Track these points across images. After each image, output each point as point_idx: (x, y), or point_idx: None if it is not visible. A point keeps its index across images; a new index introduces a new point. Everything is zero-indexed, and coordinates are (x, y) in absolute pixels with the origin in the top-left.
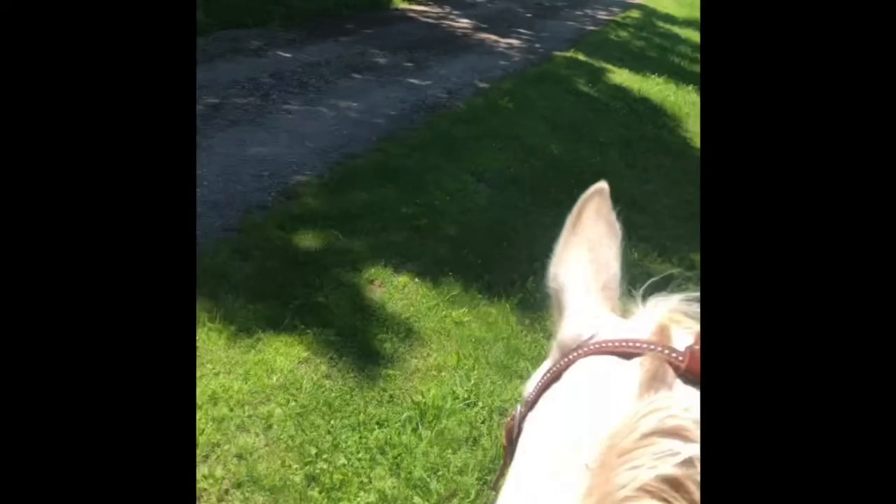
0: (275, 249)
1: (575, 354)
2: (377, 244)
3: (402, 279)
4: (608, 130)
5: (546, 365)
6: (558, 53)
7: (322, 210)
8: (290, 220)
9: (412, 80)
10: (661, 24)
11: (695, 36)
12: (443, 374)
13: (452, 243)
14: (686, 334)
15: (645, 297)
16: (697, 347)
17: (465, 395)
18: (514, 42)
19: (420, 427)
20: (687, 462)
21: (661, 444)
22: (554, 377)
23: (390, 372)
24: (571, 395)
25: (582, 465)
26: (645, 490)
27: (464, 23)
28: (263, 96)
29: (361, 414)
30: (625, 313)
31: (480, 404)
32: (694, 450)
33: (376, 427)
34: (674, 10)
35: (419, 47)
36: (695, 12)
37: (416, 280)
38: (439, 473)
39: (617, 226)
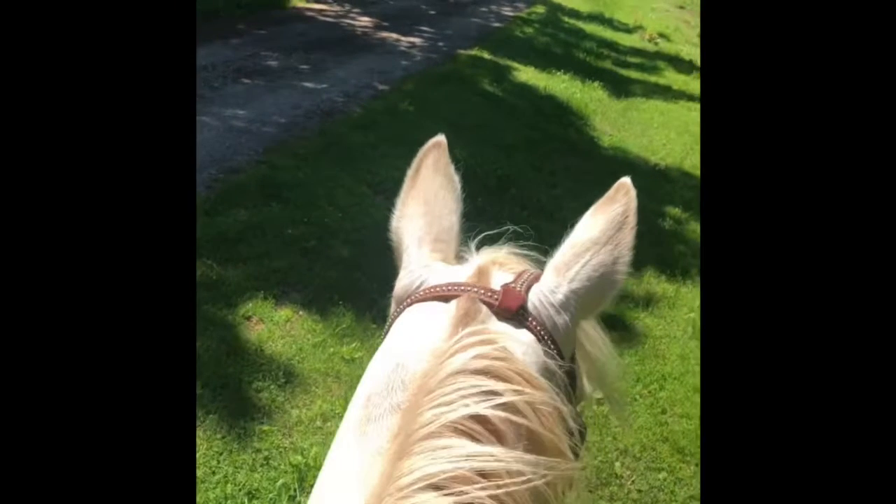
0: None
1: (404, 304)
2: (257, 273)
3: (284, 313)
4: (514, 132)
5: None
6: (462, 52)
7: None
8: None
9: (307, 84)
10: (566, 19)
11: (600, 31)
12: (328, 424)
13: (344, 266)
14: (507, 274)
15: (479, 248)
16: (513, 284)
17: None
18: (417, 41)
19: (299, 495)
20: (491, 399)
21: (466, 382)
22: (386, 331)
23: (266, 428)
24: (392, 342)
25: (394, 407)
26: (448, 427)
27: (364, 21)
28: None
29: (230, 484)
30: (459, 262)
31: None
32: (498, 385)
33: (247, 500)
34: (579, 5)
35: (316, 48)
36: (599, 7)
37: (301, 313)
38: None
39: (455, 178)
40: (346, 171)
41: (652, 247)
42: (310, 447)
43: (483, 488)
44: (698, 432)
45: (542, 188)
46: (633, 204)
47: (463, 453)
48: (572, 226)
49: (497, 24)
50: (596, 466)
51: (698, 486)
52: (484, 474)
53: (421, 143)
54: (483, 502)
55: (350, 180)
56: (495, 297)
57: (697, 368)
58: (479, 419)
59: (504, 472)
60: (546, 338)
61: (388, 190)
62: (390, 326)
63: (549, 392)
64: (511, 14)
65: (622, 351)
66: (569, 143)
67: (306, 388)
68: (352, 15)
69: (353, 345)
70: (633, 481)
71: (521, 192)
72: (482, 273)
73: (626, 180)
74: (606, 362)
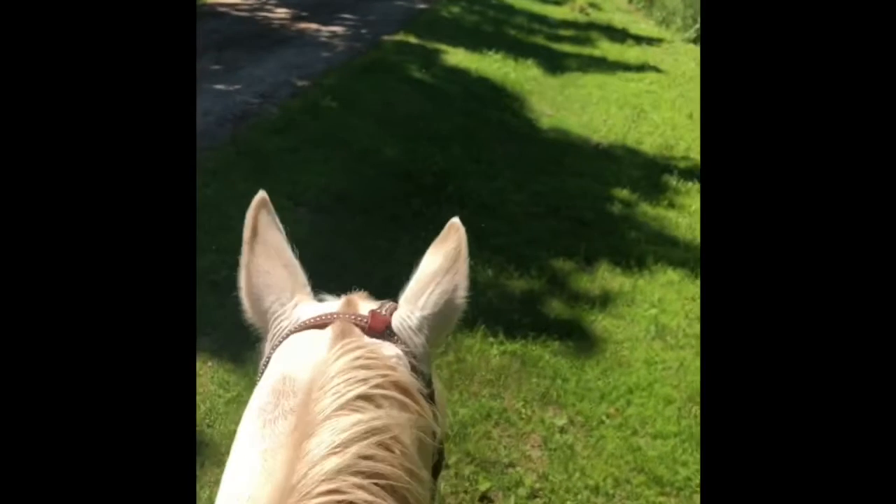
0: None
1: (280, 339)
2: None
3: None
4: (448, 121)
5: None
6: (387, 38)
7: None
8: None
9: (218, 86)
10: None
11: (529, 5)
12: None
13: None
14: (371, 304)
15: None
16: (379, 309)
17: None
18: (338, 30)
19: None
20: (373, 382)
21: (352, 374)
22: (262, 370)
23: None
24: (274, 366)
25: (288, 411)
26: (343, 408)
27: (281, 13)
28: None
29: None
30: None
31: None
32: (381, 374)
33: None
34: None
35: (229, 46)
36: None
37: (210, 363)
38: None
39: (281, 227)
40: (263, 182)
41: (603, 237)
42: None
43: (377, 441)
44: (675, 455)
45: (482, 182)
46: (464, 240)
47: (354, 420)
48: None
49: (422, 6)
50: None
51: None
52: (373, 431)
53: (347, 142)
54: (376, 452)
55: (267, 193)
56: (365, 320)
57: (665, 375)
58: (365, 397)
59: (388, 427)
60: (409, 354)
61: (312, 200)
62: (266, 362)
63: (415, 377)
64: None
65: (583, 364)
66: (507, 128)
67: (219, 459)
68: (268, 7)
69: None
70: None
71: (460, 189)
72: (350, 303)
73: (455, 221)
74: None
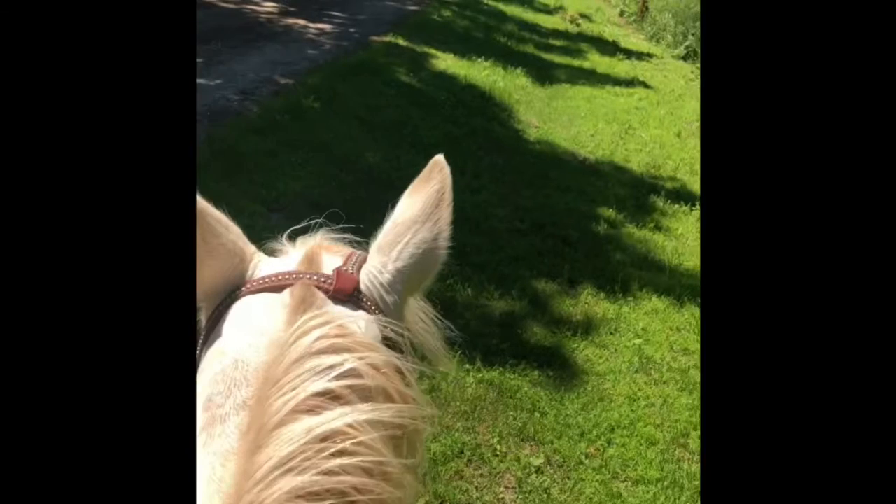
0: None
1: (224, 304)
2: None
3: None
4: (433, 128)
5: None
6: (376, 39)
7: None
8: None
9: (197, 81)
10: (486, 1)
11: (520, 12)
12: None
13: None
14: (336, 258)
15: (292, 239)
16: (345, 268)
17: None
18: (326, 27)
19: None
20: (338, 373)
21: (311, 363)
22: (209, 331)
23: None
24: (226, 340)
25: (240, 405)
26: (299, 410)
27: (269, 6)
28: None
29: None
30: (274, 254)
31: None
32: (343, 359)
33: None
34: None
35: (212, 39)
36: None
37: None
38: None
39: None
40: (237, 185)
41: (588, 258)
42: None
43: (337, 451)
44: (657, 502)
45: (465, 194)
46: (448, 181)
47: (305, 428)
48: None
49: (413, 7)
50: None
51: None
52: (325, 438)
53: (327, 145)
54: (333, 465)
55: (240, 197)
56: (329, 281)
57: (648, 413)
58: (324, 393)
59: (346, 428)
60: (380, 320)
61: (287, 206)
62: (209, 331)
63: (387, 352)
64: None
65: (563, 397)
66: (493, 138)
67: None
68: (256, 0)
69: None
70: None
71: None
72: (312, 259)
73: (439, 158)
74: (430, 337)
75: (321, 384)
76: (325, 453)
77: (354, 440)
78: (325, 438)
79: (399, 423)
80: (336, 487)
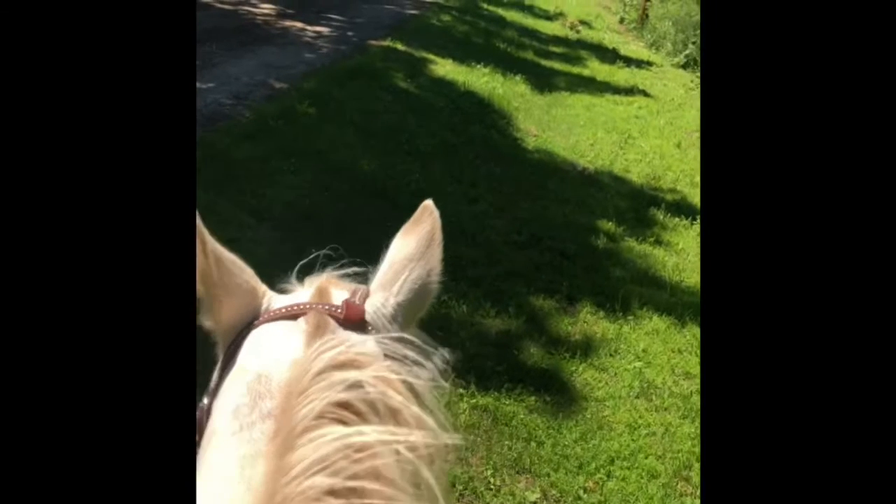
0: None
1: (241, 335)
2: None
3: None
4: (430, 136)
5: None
6: (374, 43)
7: None
8: None
9: None
10: (486, 6)
11: (520, 18)
12: None
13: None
14: (343, 292)
15: (300, 278)
16: (353, 299)
17: None
18: (324, 30)
19: None
20: (354, 385)
21: (332, 377)
22: (228, 358)
23: None
24: (246, 360)
25: (266, 414)
26: (321, 417)
27: (266, 8)
28: None
29: None
30: (284, 292)
31: None
32: (359, 374)
33: None
34: None
35: (207, 40)
36: None
37: None
38: None
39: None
40: (225, 194)
41: (587, 273)
42: None
43: (358, 461)
44: None
45: (462, 204)
46: (438, 223)
47: (337, 435)
48: None
49: (412, 12)
50: None
51: None
52: (360, 449)
53: (321, 152)
54: (359, 469)
55: (229, 206)
56: (339, 310)
57: (650, 442)
58: (347, 405)
59: (375, 444)
60: (385, 345)
61: (277, 217)
62: (230, 355)
63: (406, 371)
64: (428, 0)
65: (561, 425)
66: (491, 146)
67: None
68: (253, 1)
69: None
70: None
71: (439, 211)
72: (322, 292)
73: (428, 203)
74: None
75: (344, 395)
76: (359, 460)
77: (380, 458)
78: (360, 449)
79: (411, 446)
80: (363, 488)
